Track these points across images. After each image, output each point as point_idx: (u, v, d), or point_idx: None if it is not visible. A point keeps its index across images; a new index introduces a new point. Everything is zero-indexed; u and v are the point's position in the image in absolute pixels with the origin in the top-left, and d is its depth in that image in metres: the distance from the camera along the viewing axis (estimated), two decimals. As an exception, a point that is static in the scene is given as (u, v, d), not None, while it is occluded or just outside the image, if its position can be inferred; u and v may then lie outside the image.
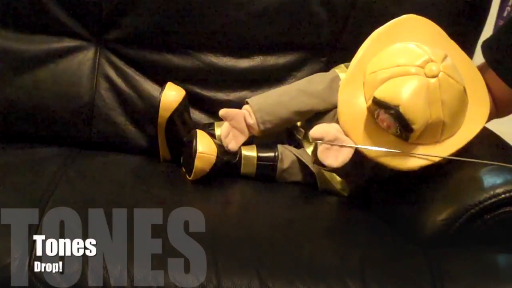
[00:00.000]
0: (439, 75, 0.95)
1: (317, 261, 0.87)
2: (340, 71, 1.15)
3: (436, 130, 0.98)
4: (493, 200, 0.92)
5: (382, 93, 0.94)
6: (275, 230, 0.96)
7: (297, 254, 0.88)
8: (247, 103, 1.12)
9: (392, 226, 1.01)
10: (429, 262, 0.88)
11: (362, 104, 0.99)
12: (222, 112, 1.11)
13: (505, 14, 1.76)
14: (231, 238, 0.91)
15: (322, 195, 1.10)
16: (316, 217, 1.04)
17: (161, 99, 1.09)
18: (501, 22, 1.75)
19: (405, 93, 0.93)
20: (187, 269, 0.83)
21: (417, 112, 0.93)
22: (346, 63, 1.15)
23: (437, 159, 0.99)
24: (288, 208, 1.06)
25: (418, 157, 0.98)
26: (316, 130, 0.99)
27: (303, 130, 1.16)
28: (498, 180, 0.94)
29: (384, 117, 0.95)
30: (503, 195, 0.92)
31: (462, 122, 1.01)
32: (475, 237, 0.93)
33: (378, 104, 0.94)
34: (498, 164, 0.97)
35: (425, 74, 0.95)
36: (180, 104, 1.10)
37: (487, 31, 1.25)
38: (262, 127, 1.10)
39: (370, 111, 0.98)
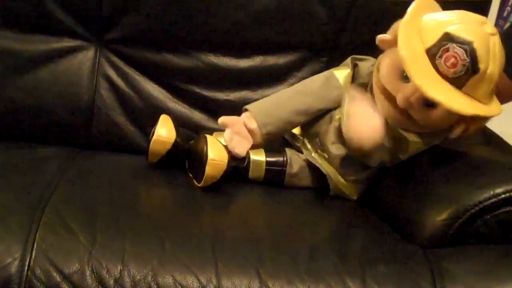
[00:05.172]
0: (496, 35, 0.98)
1: (317, 261, 0.87)
2: (334, 69, 1.14)
3: (488, 86, 0.98)
4: (493, 200, 0.92)
5: (455, 30, 0.96)
6: (275, 230, 0.96)
7: (297, 254, 0.88)
8: (245, 110, 1.11)
9: (392, 226, 1.01)
10: (429, 262, 0.88)
11: (419, 47, 0.98)
12: (221, 120, 1.10)
13: (505, 14, 1.77)
14: (231, 238, 0.91)
15: (323, 197, 1.10)
16: (316, 217, 1.04)
17: (150, 147, 1.07)
18: (501, 22, 1.75)
19: (476, 34, 0.96)
20: (187, 269, 0.83)
21: (485, 54, 0.95)
22: (342, 63, 1.16)
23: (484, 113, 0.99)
24: (288, 209, 1.06)
25: (471, 105, 0.97)
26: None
27: (301, 138, 1.15)
28: (498, 179, 0.94)
29: (454, 53, 0.95)
30: (503, 195, 0.92)
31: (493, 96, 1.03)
32: (475, 237, 0.93)
33: (449, 39, 0.95)
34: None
35: (486, 30, 0.97)
36: (169, 150, 1.07)
37: (487, 31, 1.25)
38: (264, 130, 1.09)
39: (430, 51, 0.97)
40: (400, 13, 1.02)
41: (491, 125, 1.15)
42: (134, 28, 1.19)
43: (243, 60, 1.22)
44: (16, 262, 0.82)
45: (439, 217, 0.94)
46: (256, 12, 1.19)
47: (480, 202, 0.92)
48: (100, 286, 0.81)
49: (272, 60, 1.23)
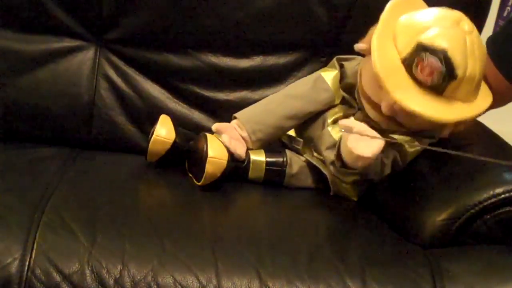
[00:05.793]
0: (473, 32, 0.97)
1: (317, 261, 0.87)
2: (322, 71, 1.14)
3: (469, 86, 0.98)
4: (493, 200, 0.92)
5: (428, 38, 0.94)
6: (275, 230, 0.96)
7: (297, 254, 0.88)
8: (234, 117, 1.11)
9: (392, 226, 1.01)
10: (429, 262, 0.88)
11: (394, 56, 0.98)
12: (215, 126, 1.10)
13: (505, 14, 1.77)
14: (231, 238, 0.91)
15: (323, 197, 1.10)
16: (316, 217, 1.04)
17: (149, 147, 1.07)
18: (501, 22, 1.76)
19: (451, 39, 0.94)
20: (187, 269, 0.83)
21: (462, 58, 0.94)
22: (328, 64, 1.16)
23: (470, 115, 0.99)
24: (288, 209, 1.06)
25: (453, 111, 0.97)
26: (346, 120, 0.98)
27: (301, 140, 1.15)
28: (498, 179, 0.94)
29: (429, 63, 0.94)
30: (503, 195, 0.92)
31: (480, 89, 1.02)
32: (475, 237, 0.93)
33: (423, 49, 0.94)
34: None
35: (461, 30, 0.96)
36: (168, 150, 1.07)
37: (487, 31, 1.25)
38: (254, 137, 1.09)
39: (406, 61, 0.96)
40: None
41: (491, 125, 1.15)
42: (134, 28, 1.19)
43: (243, 60, 1.22)
44: (16, 262, 0.82)
45: (439, 217, 0.94)
46: (256, 12, 1.19)
47: (480, 202, 0.92)
48: (100, 286, 0.81)
49: (272, 60, 1.23)
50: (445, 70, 0.94)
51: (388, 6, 1.01)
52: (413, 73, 0.96)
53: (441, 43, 0.94)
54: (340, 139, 1.01)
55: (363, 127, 0.96)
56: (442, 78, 0.95)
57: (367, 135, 0.95)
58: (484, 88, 1.03)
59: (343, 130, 0.98)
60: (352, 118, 1.02)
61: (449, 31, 0.96)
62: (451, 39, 0.95)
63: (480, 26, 1.23)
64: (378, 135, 0.96)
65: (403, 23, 0.99)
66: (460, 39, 0.96)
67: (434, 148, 0.92)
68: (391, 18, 1.01)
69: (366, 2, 1.19)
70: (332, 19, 1.20)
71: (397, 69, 0.97)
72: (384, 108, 0.99)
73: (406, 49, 0.97)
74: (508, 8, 1.76)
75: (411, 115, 0.97)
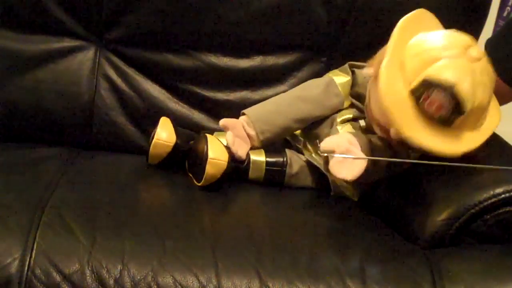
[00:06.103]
0: (482, 58, 0.96)
1: (317, 261, 0.87)
2: (334, 75, 1.14)
3: (478, 115, 0.97)
4: (493, 200, 0.92)
5: (435, 73, 0.93)
6: (275, 230, 0.96)
7: (297, 254, 0.88)
8: (243, 114, 1.11)
9: (392, 226, 1.01)
10: (429, 262, 0.88)
11: (402, 89, 0.96)
12: (222, 122, 1.10)
13: (505, 14, 1.77)
14: (231, 238, 0.91)
15: (323, 197, 1.10)
16: (316, 217, 1.04)
17: (150, 151, 1.07)
18: (501, 22, 1.75)
19: (459, 72, 0.93)
20: (187, 269, 0.83)
21: (470, 92, 0.93)
22: (340, 67, 1.16)
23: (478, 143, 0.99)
24: (288, 209, 1.06)
25: (463, 142, 0.97)
26: (327, 143, 0.97)
27: (302, 139, 1.15)
28: (498, 179, 0.94)
29: (437, 98, 0.93)
30: (503, 195, 0.92)
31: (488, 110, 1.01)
32: (475, 237, 0.93)
33: (430, 85, 0.93)
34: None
35: (469, 57, 0.95)
36: (170, 153, 1.07)
37: (487, 31, 1.25)
38: (261, 137, 1.09)
39: (413, 94, 0.95)
40: (401, 14, 1.02)
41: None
42: (134, 28, 1.19)
43: (243, 60, 1.22)
44: (16, 262, 0.82)
45: (439, 217, 0.94)
46: (256, 12, 1.19)
47: (480, 202, 0.92)
48: (100, 286, 0.81)
49: (272, 60, 1.23)
50: (453, 106, 0.93)
51: (397, 28, 1.00)
52: (421, 106, 0.95)
53: (448, 78, 0.92)
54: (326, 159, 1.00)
55: (344, 147, 0.95)
56: (450, 113, 0.94)
57: (350, 156, 0.94)
58: (492, 104, 1.02)
59: (325, 154, 0.97)
60: (334, 136, 1.01)
61: (457, 62, 0.94)
62: (459, 72, 0.93)
63: (480, 26, 1.23)
64: (359, 153, 0.95)
65: (411, 52, 0.98)
66: (468, 70, 0.94)
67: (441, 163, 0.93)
68: (400, 43, 0.99)
69: (366, 2, 1.19)
70: (332, 19, 1.20)
71: (404, 102, 0.96)
72: (393, 134, 0.99)
73: (414, 81, 0.95)
74: (508, 8, 1.76)
75: None
